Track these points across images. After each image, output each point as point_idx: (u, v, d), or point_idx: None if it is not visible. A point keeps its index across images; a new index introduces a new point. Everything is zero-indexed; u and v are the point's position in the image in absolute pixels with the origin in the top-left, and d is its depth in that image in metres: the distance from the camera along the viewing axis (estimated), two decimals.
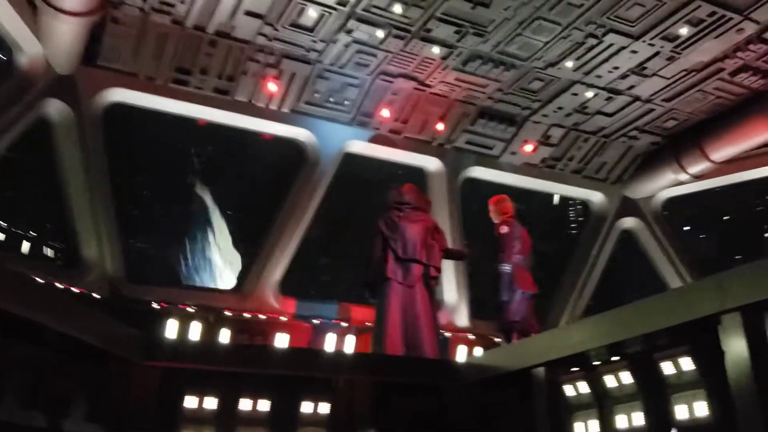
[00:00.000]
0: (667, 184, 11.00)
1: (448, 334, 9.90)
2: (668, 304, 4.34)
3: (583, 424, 5.00)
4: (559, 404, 5.20)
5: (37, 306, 3.94)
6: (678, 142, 10.42)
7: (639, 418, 4.56)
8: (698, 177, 10.55)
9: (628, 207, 11.38)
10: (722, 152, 10.02)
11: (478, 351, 9.69)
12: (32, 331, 3.99)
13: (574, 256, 11.37)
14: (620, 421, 4.69)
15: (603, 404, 4.86)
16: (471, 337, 10.07)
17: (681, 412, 4.29)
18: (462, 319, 10.20)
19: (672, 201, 11.72)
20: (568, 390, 5.14)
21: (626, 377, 4.68)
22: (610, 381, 4.79)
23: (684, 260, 11.19)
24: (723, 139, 9.93)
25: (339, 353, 6.83)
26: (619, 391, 4.74)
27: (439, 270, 8.40)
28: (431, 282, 8.34)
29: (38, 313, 3.92)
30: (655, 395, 4.48)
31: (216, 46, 8.44)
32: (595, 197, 11.37)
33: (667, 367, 4.36)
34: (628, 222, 11.43)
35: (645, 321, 4.45)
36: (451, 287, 10.18)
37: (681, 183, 10.77)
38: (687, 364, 4.27)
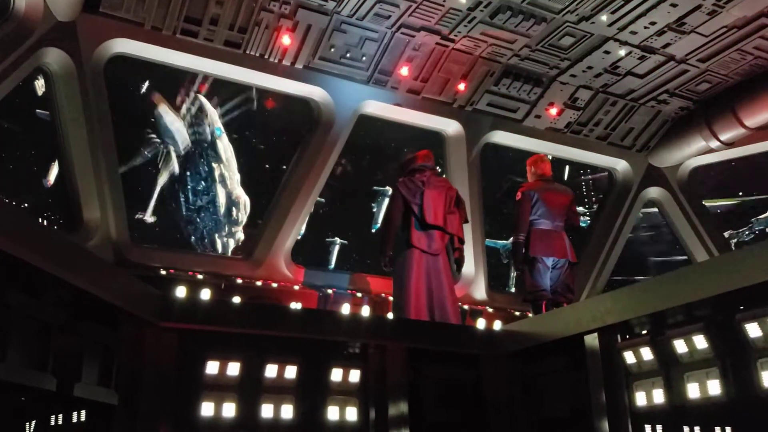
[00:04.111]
0: (695, 152, 10.51)
1: (465, 307, 9.49)
2: (754, 257, 3.88)
3: (646, 393, 4.56)
4: (617, 373, 4.76)
5: (48, 254, 3.44)
6: (710, 107, 9.92)
7: (715, 386, 4.12)
8: (729, 144, 10.07)
9: (654, 176, 10.91)
10: (757, 118, 9.51)
11: (497, 324, 9.30)
12: (40, 282, 3.50)
13: (597, 227, 10.92)
14: (692, 389, 4.25)
15: (670, 371, 4.42)
16: (489, 310, 9.69)
17: None
18: (480, 291, 9.75)
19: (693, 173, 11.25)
20: (628, 357, 4.70)
21: (700, 341, 4.23)
22: (679, 346, 4.35)
23: (711, 232, 10.77)
24: (758, 104, 9.43)
25: (371, 317, 6.36)
26: (690, 356, 4.29)
27: (463, 241, 8.05)
28: (455, 253, 7.98)
29: (49, 261, 3.42)
30: (736, 361, 4.03)
31: None
32: (620, 165, 10.88)
33: (753, 329, 3.91)
34: (653, 192, 10.96)
35: (724, 278, 3.99)
36: (468, 259, 9.70)
37: (711, 150, 10.28)
38: None
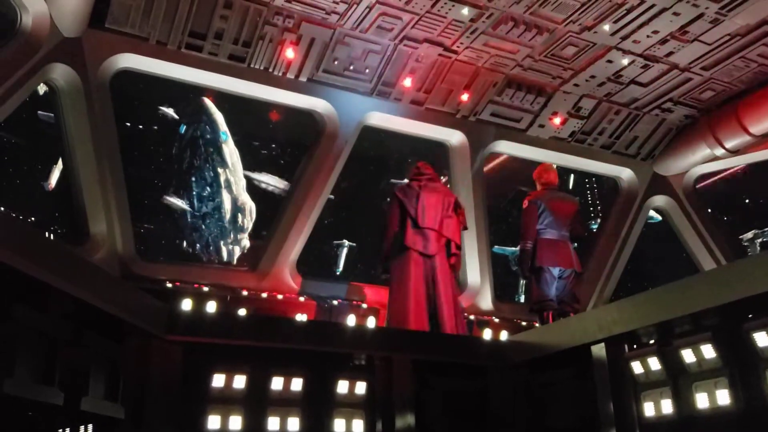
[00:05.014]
0: (700, 160, 10.49)
1: (471, 317, 9.46)
2: (762, 266, 3.86)
3: (654, 403, 4.53)
4: (624, 383, 4.74)
5: (54, 268, 3.45)
6: (714, 115, 9.92)
7: (724, 396, 4.09)
8: (735, 152, 10.05)
9: (659, 184, 10.89)
10: (762, 125, 9.50)
11: (504, 335, 9.27)
12: (47, 296, 3.51)
13: (602, 236, 10.89)
14: (700, 399, 4.22)
15: (678, 381, 4.39)
16: (496, 320, 9.65)
17: None
18: (486, 302, 9.72)
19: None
20: (635, 367, 4.67)
21: (708, 351, 4.20)
22: (687, 355, 4.32)
23: (718, 240, 10.72)
24: (763, 111, 9.42)
25: (377, 329, 6.36)
26: (698, 366, 4.27)
27: (459, 246, 7.99)
28: (451, 258, 7.89)
29: (55, 275, 3.43)
30: (744, 370, 4.00)
31: (232, 7, 7.91)
32: (625, 174, 10.87)
33: (762, 338, 3.89)
34: (659, 200, 10.95)
35: (732, 287, 3.97)
36: (474, 269, 9.70)
37: (716, 158, 10.26)
38: None
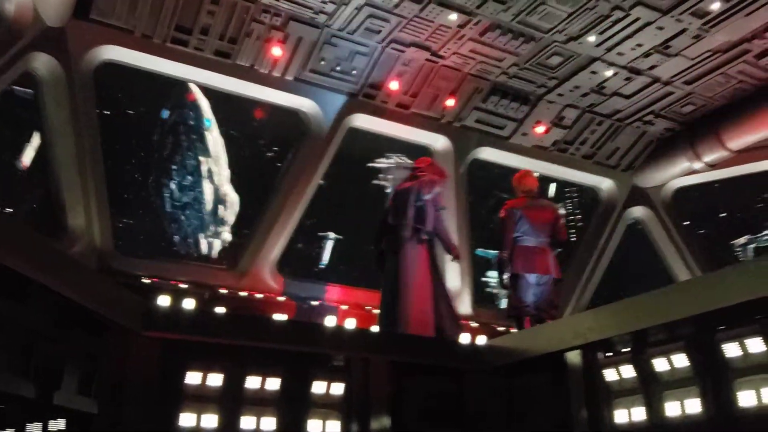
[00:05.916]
0: (679, 173, 10.66)
1: None
2: (734, 278, 3.93)
3: (627, 411, 4.58)
4: (598, 389, 4.78)
5: (31, 260, 3.42)
6: (694, 129, 10.08)
7: (694, 405, 4.15)
8: (713, 166, 10.21)
9: (638, 195, 11.03)
10: (740, 140, 9.69)
11: (482, 339, 9.30)
12: (23, 288, 3.48)
13: (581, 245, 10.99)
14: (671, 408, 4.28)
15: (651, 389, 4.44)
16: (474, 325, 9.68)
17: (747, 398, 3.88)
18: (465, 306, 9.76)
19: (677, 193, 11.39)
20: (609, 374, 4.72)
21: (680, 360, 4.26)
22: (660, 364, 4.38)
23: (694, 252, 10.87)
24: (742, 127, 9.60)
25: (355, 330, 6.34)
26: (670, 375, 4.32)
27: (428, 233, 7.50)
28: (423, 245, 7.44)
29: (31, 268, 3.40)
30: (715, 380, 4.07)
31: (219, 3, 7.90)
32: (605, 184, 11.00)
33: (732, 349, 3.95)
34: (637, 211, 11.08)
35: (705, 297, 4.04)
36: (454, 273, 9.73)
37: (694, 172, 10.42)
38: (756, 345, 3.86)
